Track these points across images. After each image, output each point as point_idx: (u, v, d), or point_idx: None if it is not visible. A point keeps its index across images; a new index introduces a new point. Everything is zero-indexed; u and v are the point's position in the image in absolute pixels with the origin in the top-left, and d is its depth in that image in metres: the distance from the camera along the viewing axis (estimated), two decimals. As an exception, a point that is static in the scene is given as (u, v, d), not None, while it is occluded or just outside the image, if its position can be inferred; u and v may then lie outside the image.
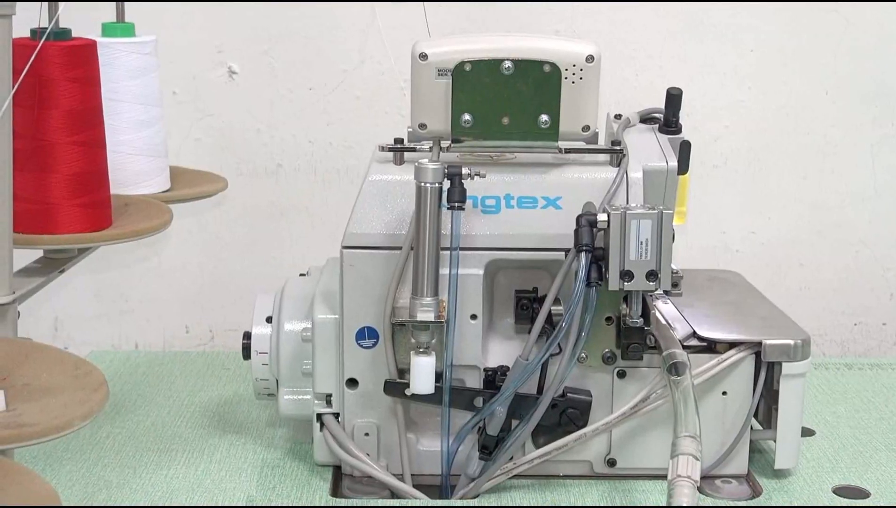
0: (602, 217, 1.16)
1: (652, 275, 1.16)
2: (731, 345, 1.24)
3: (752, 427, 1.32)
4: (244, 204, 1.83)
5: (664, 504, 1.05)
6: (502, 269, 1.25)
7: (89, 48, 1.06)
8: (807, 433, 1.40)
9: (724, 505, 1.21)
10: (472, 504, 1.20)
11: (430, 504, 1.20)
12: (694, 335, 1.25)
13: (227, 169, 1.81)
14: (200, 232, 1.85)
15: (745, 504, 1.21)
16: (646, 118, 1.35)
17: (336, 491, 1.24)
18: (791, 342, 1.23)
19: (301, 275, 1.39)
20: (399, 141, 1.23)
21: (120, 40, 1.24)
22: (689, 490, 1.04)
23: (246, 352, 1.31)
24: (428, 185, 1.16)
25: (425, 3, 1.33)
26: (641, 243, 1.16)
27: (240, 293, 1.83)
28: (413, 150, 1.24)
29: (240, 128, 1.81)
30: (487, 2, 1.76)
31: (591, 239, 1.16)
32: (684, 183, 1.37)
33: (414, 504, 1.19)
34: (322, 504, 1.19)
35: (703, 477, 1.24)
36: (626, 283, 1.16)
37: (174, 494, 1.20)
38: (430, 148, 1.22)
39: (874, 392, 1.52)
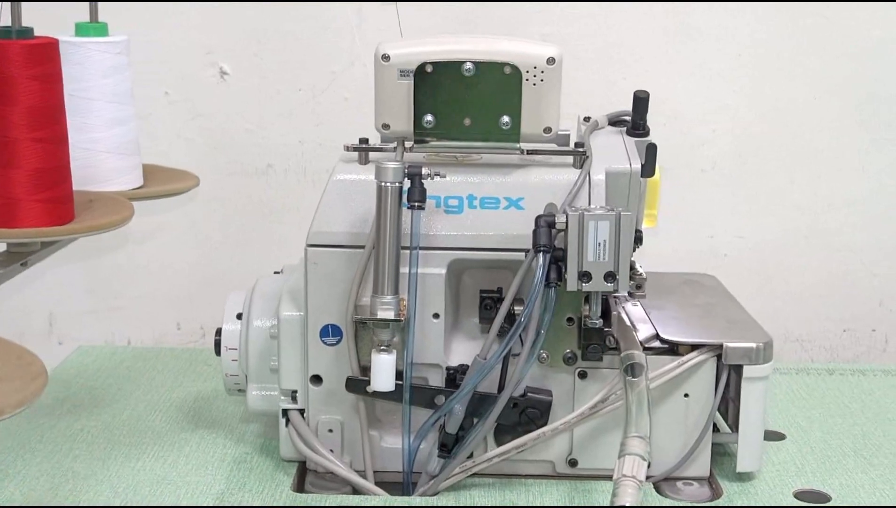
0: (560, 218, 1.17)
1: (610, 276, 1.17)
2: (693, 347, 1.24)
3: (717, 430, 1.32)
4: (235, 204, 1.86)
5: (617, 505, 1.05)
6: (467, 269, 1.26)
7: (51, 47, 1.08)
8: (776, 436, 1.40)
9: (680, 506, 1.21)
10: (428, 504, 1.21)
11: (385, 503, 1.21)
12: (657, 336, 1.26)
13: (218, 169, 1.84)
14: (192, 231, 1.87)
15: (703, 506, 1.22)
16: (615, 121, 1.36)
17: (300, 487, 1.25)
18: (752, 345, 1.23)
19: (276, 273, 1.40)
20: (364, 141, 1.24)
21: (92, 40, 1.26)
22: (633, 489, 1.05)
23: (217, 348, 1.33)
24: (388, 184, 1.17)
25: (398, 3, 1.34)
26: (599, 245, 1.16)
27: (230, 292, 1.85)
28: (380, 150, 1.25)
29: (230, 128, 1.83)
30: (479, 2, 1.77)
31: (550, 240, 1.17)
32: (654, 186, 1.37)
33: (372, 503, 1.21)
34: (282, 500, 1.20)
35: (664, 479, 1.26)
36: (584, 284, 1.17)
37: (139, 487, 1.22)
38: (395, 148, 1.24)
39: (851, 398, 1.52)
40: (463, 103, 1.20)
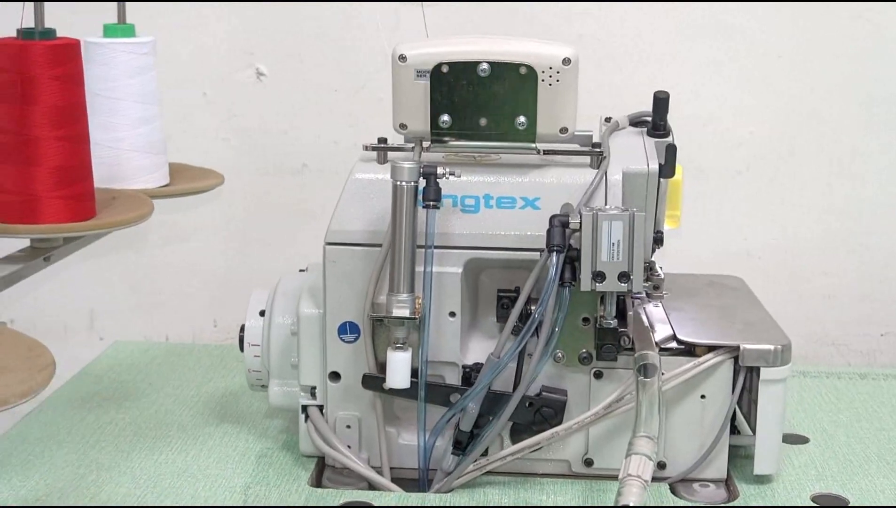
0: (575, 218, 1.17)
1: (624, 276, 1.17)
2: (710, 349, 1.24)
3: (738, 432, 1.32)
4: (271, 203, 1.88)
5: (621, 504, 1.05)
6: (486, 268, 1.26)
7: (72, 47, 1.11)
8: (800, 440, 1.39)
9: (690, 507, 1.21)
10: (442, 502, 1.22)
11: (399, 501, 1.22)
12: (674, 337, 1.25)
13: (254, 168, 1.87)
14: (229, 229, 1.90)
15: (711, 507, 1.21)
16: (636, 122, 1.36)
17: (318, 482, 1.27)
18: (770, 347, 1.23)
19: (301, 271, 1.42)
20: (383, 140, 1.26)
21: (118, 41, 1.29)
22: (638, 489, 1.05)
23: (241, 344, 1.35)
24: (404, 183, 1.18)
25: (423, 4, 1.36)
26: (613, 245, 1.17)
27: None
28: (399, 149, 1.26)
29: (267, 128, 1.86)
30: (509, 1, 1.78)
31: (563, 239, 1.17)
32: (676, 187, 1.37)
33: (385, 500, 1.22)
34: (299, 494, 1.22)
35: (680, 480, 1.26)
36: (598, 284, 1.17)
37: (159, 478, 1.25)
38: (412, 148, 1.25)
39: (881, 403, 1.50)
40: (478, 104, 1.21)
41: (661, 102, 1.30)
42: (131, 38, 1.30)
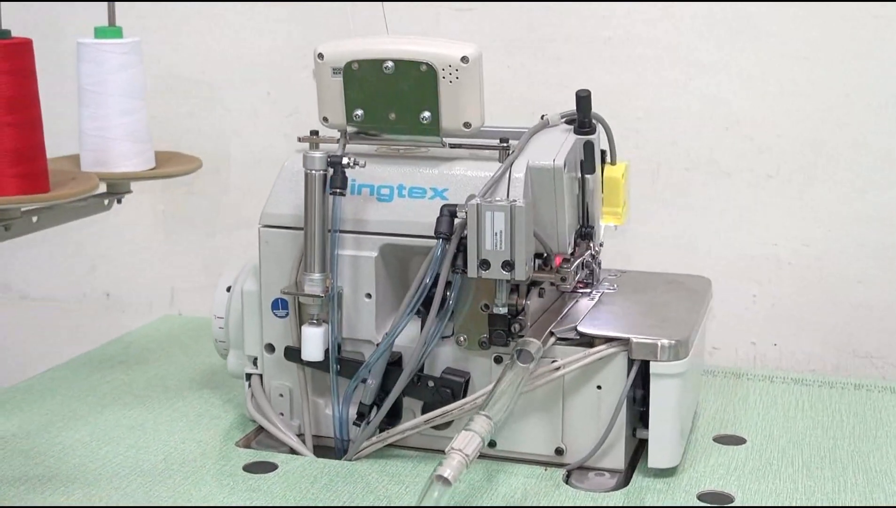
0: (462, 208, 1.24)
1: (507, 265, 1.22)
2: (607, 341, 1.27)
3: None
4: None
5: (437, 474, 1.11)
6: (401, 253, 1.34)
7: (23, 46, 1.28)
8: (737, 441, 1.38)
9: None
10: (334, 471, 1.30)
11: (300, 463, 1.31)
12: (574, 328, 1.29)
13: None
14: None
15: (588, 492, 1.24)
16: (570, 120, 1.39)
17: (247, 443, 1.39)
18: (659, 341, 1.24)
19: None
20: (314, 133, 1.36)
21: (106, 41, 1.45)
22: (457, 463, 1.11)
23: (215, 317, 1.49)
24: (314, 172, 1.28)
25: (384, 2, 1.45)
26: (496, 234, 1.22)
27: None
28: (331, 141, 1.36)
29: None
30: (541, 2, 1.83)
31: (450, 228, 1.24)
32: (615, 184, 1.40)
33: (290, 466, 1.32)
34: (217, 452, 1.34)
35: (578, 468, 1.29)
36: (483, 271, 1.23)
37: (109, 430, 1.40)
38: (338, 140, 1.35)
39: (852, 413, 1.47)
40: (386, 99, 1.30)
41: (582, 100, 1.33)
42: (118, 39, 1.46)
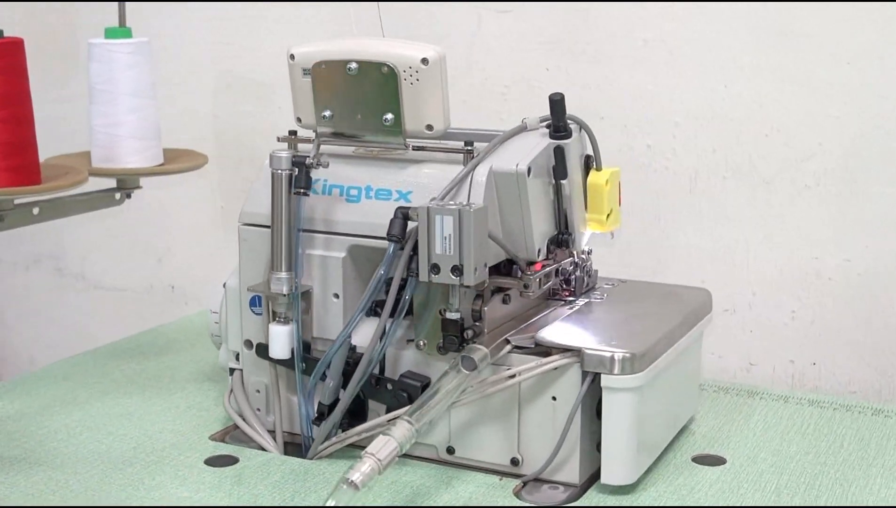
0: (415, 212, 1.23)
1: (456, 270, 1.21)
2: (561, 351, 1.24)
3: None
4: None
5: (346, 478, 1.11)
6: (370, 254, 1.34)
7: (15, 45, 1.34)
8: (717, 461, 1.33)
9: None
10: (293, 468, 1.31)
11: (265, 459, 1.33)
12: (532, 337, 1.26)
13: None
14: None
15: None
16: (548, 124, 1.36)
17: (222, 437, 1.41)
18: (611, 353, 1.20)
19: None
20: (293, 133, 1.37)
21: (116, 41, 1.50)
22: (368, 468, 1.10)
23: (216, 312, 1.52)
24: (280, 172, 1.30)
25: (379, 3, 1.45)
26: (445, 239, 1.21)
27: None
28: (307, 141, 1.37)
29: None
30: (581, 2, 1.80)
31: (402, 231, 1.23)
32: (598, 190, 1.37)
33: (253, 461, 1.33)
34: (189, 444, 1.37)
35: (533, 479, 1.26)
36: (433, 275, 1.22)
37: (100, 416, 1.44)
38: (312, 140, 1.35)
39: (857, 439, 1.39)
40: (352, 100, 1.30)
41: (556, 104, 1.30)
42: (127, 39, 1.51)
